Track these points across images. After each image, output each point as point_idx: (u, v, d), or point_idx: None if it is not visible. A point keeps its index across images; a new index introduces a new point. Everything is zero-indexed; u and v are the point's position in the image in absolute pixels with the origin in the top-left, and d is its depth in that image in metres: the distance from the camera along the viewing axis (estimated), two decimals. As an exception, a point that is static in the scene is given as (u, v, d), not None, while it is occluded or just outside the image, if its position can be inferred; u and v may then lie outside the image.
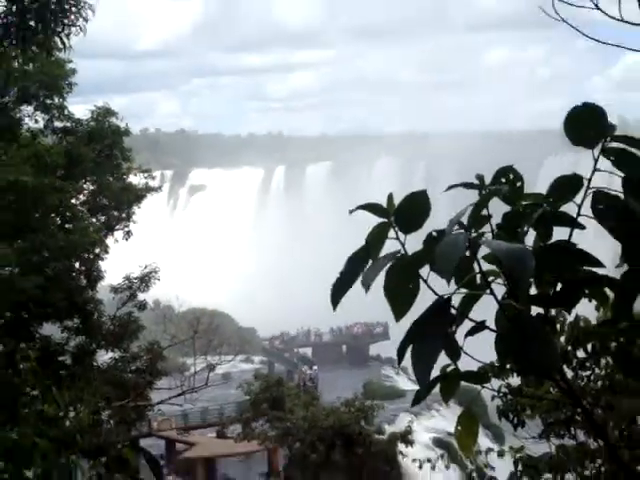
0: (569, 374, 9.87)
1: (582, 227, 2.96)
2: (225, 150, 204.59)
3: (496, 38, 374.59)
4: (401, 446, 36.69)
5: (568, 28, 5.32)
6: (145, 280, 30.46)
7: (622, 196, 2.94)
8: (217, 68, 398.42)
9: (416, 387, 3.01)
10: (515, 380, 10.47)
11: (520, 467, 11.29)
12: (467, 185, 3.13)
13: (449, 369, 3.04)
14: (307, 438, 35.70)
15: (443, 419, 57.32)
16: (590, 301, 3.36)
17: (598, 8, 4.71)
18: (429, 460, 20.55)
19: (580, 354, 9.74)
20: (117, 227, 29.64)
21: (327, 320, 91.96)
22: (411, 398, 3.21)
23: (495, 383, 10.18)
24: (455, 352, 2.95)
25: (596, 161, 2.95)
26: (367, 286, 2.89)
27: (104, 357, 29.49)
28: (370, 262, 2.95)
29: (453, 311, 2.95)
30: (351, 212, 3.10)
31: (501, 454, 12.94)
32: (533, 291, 3.01)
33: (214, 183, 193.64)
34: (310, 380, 58.45)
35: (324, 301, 3.01)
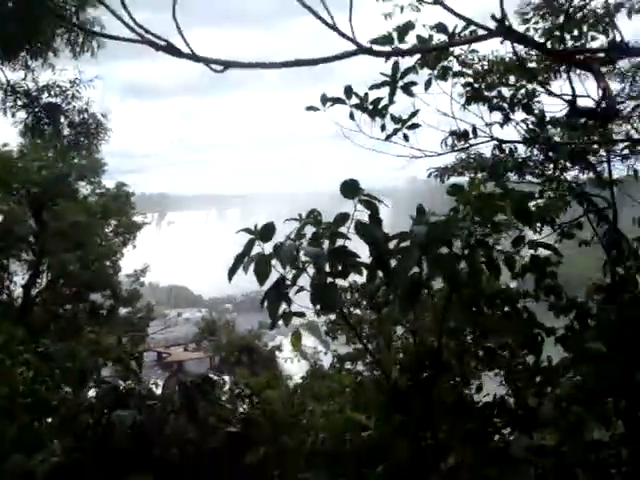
0: (360, 313, 10.03)
1: (349, 239, 3.04)
2: (186, 203, 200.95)
3: (328, 143, 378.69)
4: (277, 353, 36.65)
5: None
6: (143, 270, 30.09)
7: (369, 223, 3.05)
8: (181, 162, 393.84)
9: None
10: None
11: (335, 360, 11.48)
12: (294, 219, 3.19)
13: (286, 310, 3.09)
14: (228, 349, 35.29)
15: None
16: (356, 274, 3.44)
17: (361, 131, 4.80)
18: (290, 358, 20.74)
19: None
20: (128, 243, 28.99)
21: (241, 289, 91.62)
22: (283, 328, 3.25)
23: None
24: (289, 301, 3.00)
25: (355, 206, 3.04)
26: (245, 270, 2.93)
27: (123, 311, 28.71)
28: (246, 258, 2.99)
29: (288, 282, 3.01)
30: (237, 232, 3.14)
31: (325, 353, 13.11)
32: (329, 270, 3.09)
33: (180, 220, 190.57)
34: (231, 321, 57.78)
35: (235, 281, 3.05)
